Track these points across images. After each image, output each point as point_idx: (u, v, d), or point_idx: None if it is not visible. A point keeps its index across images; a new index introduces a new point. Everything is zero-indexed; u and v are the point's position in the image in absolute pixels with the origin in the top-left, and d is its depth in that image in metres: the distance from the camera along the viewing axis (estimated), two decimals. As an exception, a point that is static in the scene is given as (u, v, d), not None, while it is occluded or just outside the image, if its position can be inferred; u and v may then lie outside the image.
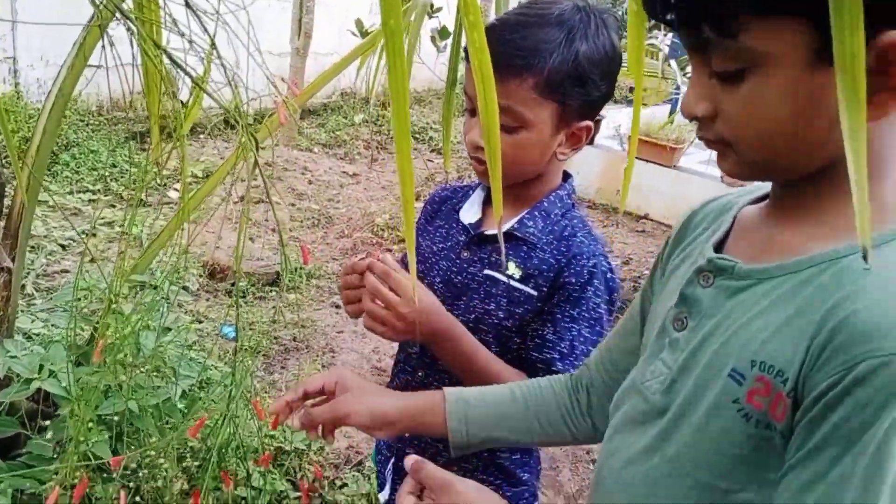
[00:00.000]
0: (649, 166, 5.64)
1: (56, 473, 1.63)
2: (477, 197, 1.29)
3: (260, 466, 1.38)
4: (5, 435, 1.64)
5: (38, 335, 2.21)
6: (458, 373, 1.16)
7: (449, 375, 1.20)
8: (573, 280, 1.13)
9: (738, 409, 0.66)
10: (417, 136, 7.45)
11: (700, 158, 5.69)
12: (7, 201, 1.81)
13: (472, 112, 1.13)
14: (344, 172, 6.16)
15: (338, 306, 3.86)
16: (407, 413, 0.99)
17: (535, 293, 1.15)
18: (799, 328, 0.62)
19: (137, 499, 1.73)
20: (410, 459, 0.85)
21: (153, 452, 1.70)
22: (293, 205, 5.16)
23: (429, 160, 6.76)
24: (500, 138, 1.09)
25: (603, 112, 1.22)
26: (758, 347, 0.65)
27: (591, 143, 1.30)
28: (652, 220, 5.79)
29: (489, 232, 1.21)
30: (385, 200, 5.56)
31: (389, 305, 1.08)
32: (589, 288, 1.13)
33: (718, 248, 0.77)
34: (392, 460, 1.37)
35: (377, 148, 7.07)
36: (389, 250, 1.21)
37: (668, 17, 0.65)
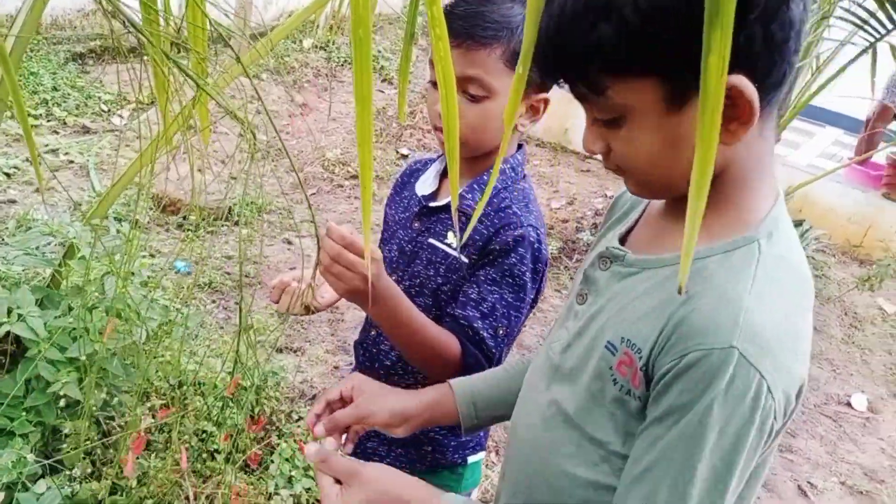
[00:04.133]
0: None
1: (26, 411, 1.71)
2: (433, 169, 1.37)
3: (226, 395, 1.48)
4: (-28, 374, 1.70)
5: (-6, 272, 2.22)
6: (395, 335, 1.20)
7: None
8: (497, 247, 1.21)
9: (610, 374, 0.80)
10: (368, 65, 7.34)
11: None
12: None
13: (435, 84, 1.19)
14: (293, 101, 6.08)
15: (289, 242, 3.92)
16: (422, 407, 1.08)
17: (467, 261, 1.24)
18: (658, 315, 0.75)
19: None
20: (312, 447, 0.93)
21: (121, 391, 1.78)
22: (241, 135, 5.11)
23: (379, 90, 6.70)
24: (465, 108, 1.18)
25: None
26: (628, 326, 0.79)
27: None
28: (597, 160, 5.89)
29: (433, 204, 1.31)
30: (336, 134, 5.55)
31: (350, 265, 1.10)
32: (513, 255, 1.20)
33: (629, 233, 0.92)
34: None
35: (327, 76, 6.96)
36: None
37: (555, 78, 0.79)
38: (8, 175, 3.84)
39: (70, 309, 1.73)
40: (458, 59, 1.14)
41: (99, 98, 5.08)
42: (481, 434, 1.42)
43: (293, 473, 2.07)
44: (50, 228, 1.81)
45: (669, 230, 0.84)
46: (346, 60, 7.42)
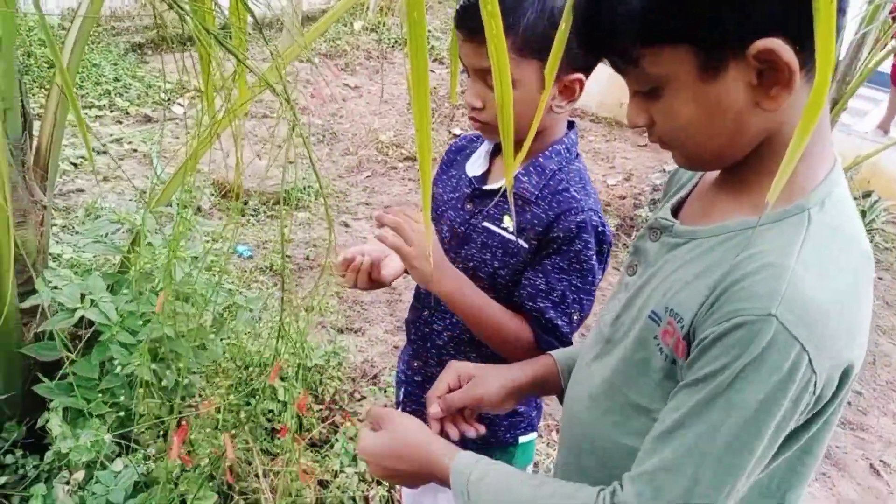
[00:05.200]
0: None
1: (102, 393, 1.77)
2: (483, 149, 1.35)
3: (271, 380, 1.52)
4: (50, 358, 1.78)
5: (67, 259, 2.31)
6: (461, 312, 1.23)
7: (460, 335, 1.33)
8: (561, 234, 1.19)
9: (655, 343, 0.80)
10: (418, 45, 7.32)
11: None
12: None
13: (468, 73, 1.20)
14: (346, 85, 6.12)
15: (346, 225, 3.96)
16: (530, 378, 1.11)
17: (526, 246, 1.23)
18: (701, 284, 0.75)
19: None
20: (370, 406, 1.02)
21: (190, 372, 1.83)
22: (296, 120, 5.17)
23: (431, 70, 6.69)
24: (491, 97, 1.16)
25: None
26: (672, 296, 0.79)
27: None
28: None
29: (488, 187, 1.29)
30: (389, 116, 5.57)
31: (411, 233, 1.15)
32: (577, 241, 1.19)
33: (681, 204, 0.92)
34: (403, 388, 1.49)
35: (378, 58, 6.98)
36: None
37: (590, 48, 0.79)
38: (75, 165, 3.97)
39: (139, 293, 1.79)
40: (472, 53, 1.15)
41: (159, 87, 5.21)
42: (533, 414, 1.42)
43: (358, 452, 2.10)
44: (118, 216, 1.86)
45: (720, 200, 0.84)
46: (396, 42, 7.42)
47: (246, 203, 3.81)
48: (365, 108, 5.69)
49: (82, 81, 4.88)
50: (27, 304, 1.77)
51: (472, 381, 1.10)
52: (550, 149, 1.25)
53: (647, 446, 0.77)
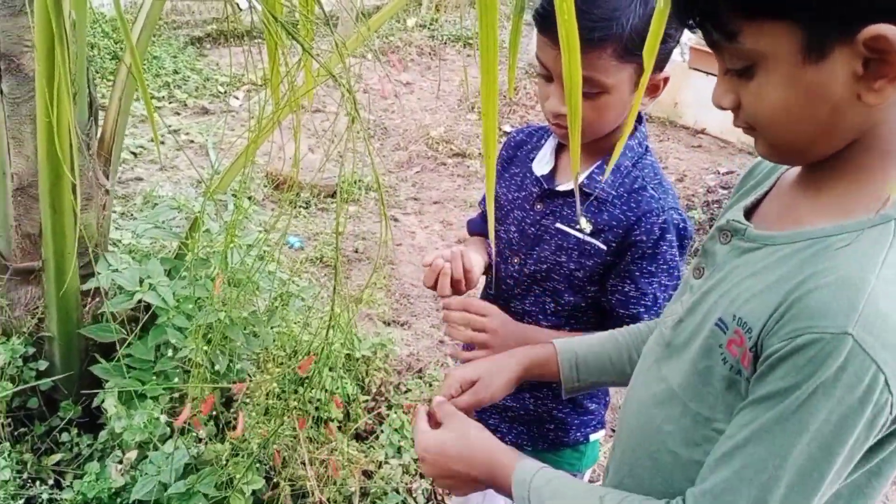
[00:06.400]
0: (710, 79, 5.49)
1: (156, 375, 1.82)
2: (549, 146, 1.31)
3: (301, 371, 1.54)
4: (107, 340, 1.82)
5: (126, 244, 2.37)
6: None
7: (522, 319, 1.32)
8: (645, 238, 1.17)
9: (720, 353, 0.76)
10: (471, 41, 7.33)
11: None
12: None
13: (547, 78, 1.15)
14: (398, 81, 6.15)
15: (395, 219, 3.98)
16: (529, 371, 1.11)
17: (604, 247, 1.20)
18: (773, 294, 0.70)
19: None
20: (437, 399, 1.02)
21: (242, 358, 1.86)
22: (348, 115, 5.21)
23: (482, 68, 6.67)
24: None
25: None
26: (741, 304, 0.74)
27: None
28: (709, 134, 5.69)
29: (560, 188, 1.26)
30: (439, 112, 5.57)
31: (482, 327, 1.23)
32: (662, 244, 1.17)
33: (756, 205, 0.86)
34: None
35: (430, 54, 6.99)
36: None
37: (689, 21, 0.74)
38: (135, 154, 4.08)
39: (196, 279, 1.82)
40: (559, 58, 1.11)
41: (216, 80, 5.31)
42: (602, 412, 1.40)
43: (402, 443, 2.11)
44: (177, 203, 1.90)
45: (799, 203, 0.78)
46: (448, 39, 7.43)
47: (297, 195, 3.86)
48: (416, 103, 5.71)
49: (143, 73, 5.00)
50: (88, 286, 1.82)
51: (476, 385, 1.08)
52: (625, 145, 1.21)
53: (711, 463, 0.73)
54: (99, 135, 1.89)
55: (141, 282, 1.76)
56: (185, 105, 4.92)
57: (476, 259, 1.30)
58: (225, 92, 5.22)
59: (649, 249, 1.18)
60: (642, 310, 1.20)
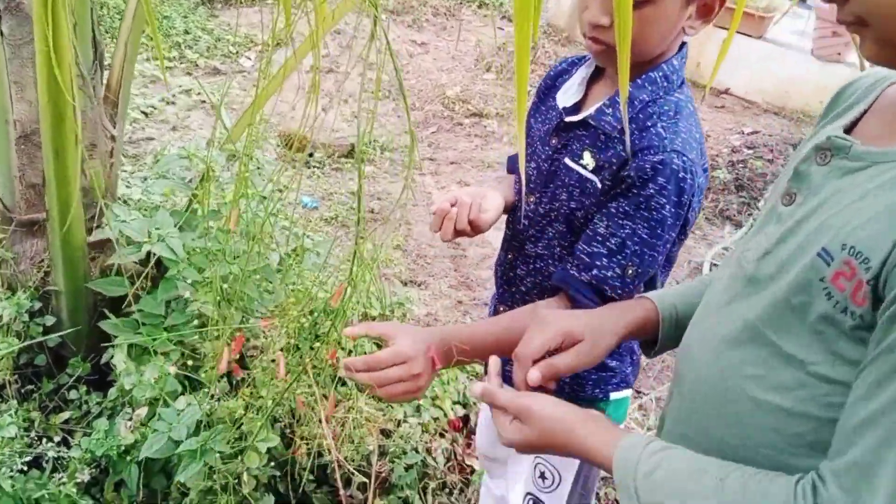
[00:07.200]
0: (734, 36, 5.32)
1: (167, 330, 1.75)
2: (579, 75, 1.21)
3: (333, 303, 1.48)
4: (116, 294, 1.76)
5: (136, 200, 2.31)
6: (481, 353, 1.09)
7: (542, 281, 1.23)
8: (633, 174, 1.04)
9: (823, 287, 0.66)
10: (487, 1, 7.16)
11: (793, 28, 5.28)
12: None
13: None
14: (413, 41, 6.02)
15: (412, 180, 3.90)
16: (631, 331, 1.00)
17: (600, 186, 1.10)
18: (894, 218, 0.61)
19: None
20: (477, 387, 0.90)
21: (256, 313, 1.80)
22: (362, 75, 5.11)
23: (499, 28, 6.53)
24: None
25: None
26: (851, 231, 0.65)
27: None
28: (733, 94, 5.53)
29: (570, 119, 1.15)
30: (455, 72, 5.45)
31: (399, 378, 1.04)
32: (650, 185, 1.03)
33: (854, 124, 0.75)
34: None
35: (445, 15, 6.84)
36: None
37: None
38: (146, 114, 4.00)
39: (207, 231, 1.75)
40: None
41: (228, 41, 5.20)
42: (628, 371, 1.32)
43: (421, 403, 2.05)
44: (187, 152, 1.83)
45: None
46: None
47: (311, 155, 3.77)
48: (431, 63, 5.59)
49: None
50: (95, 237, 1.75)
51: (580, 346, 0.95)
52: (644, 76, 1.09)
53: (848, 430, 0.63)
54: (105, 82, 1.81)
55: (149, 234, 1.69)
56: (197, 65, 4.83)
57: (493, 201, 1.22)
58: (236, 52, 5.11)
59: (634, 188, 1.05)
60: (604, 251, 1.07)
